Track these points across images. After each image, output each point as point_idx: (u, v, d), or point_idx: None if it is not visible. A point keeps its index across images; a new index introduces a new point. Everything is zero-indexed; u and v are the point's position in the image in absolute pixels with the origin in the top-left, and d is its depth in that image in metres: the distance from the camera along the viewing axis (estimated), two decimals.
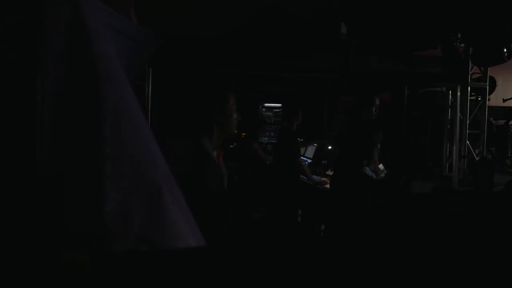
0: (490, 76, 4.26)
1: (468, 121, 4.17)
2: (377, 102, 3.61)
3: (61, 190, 0.84)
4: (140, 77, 3.16)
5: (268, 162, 4.78)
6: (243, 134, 5.83)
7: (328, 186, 4.27)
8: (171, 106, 4.30)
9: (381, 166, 4.06)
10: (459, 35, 4.18)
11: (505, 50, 3.41)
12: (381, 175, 4.03)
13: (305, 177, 4.36)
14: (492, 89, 4.40)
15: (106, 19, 1.00)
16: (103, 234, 0.82)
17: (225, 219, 1.56)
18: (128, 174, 0.84)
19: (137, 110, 0.92)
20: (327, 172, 4.68)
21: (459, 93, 4.09)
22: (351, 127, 3.73)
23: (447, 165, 4.32)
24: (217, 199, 1.51)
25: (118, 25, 1.08)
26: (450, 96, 4.38)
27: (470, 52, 3.99)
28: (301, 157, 4.70)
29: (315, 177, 4.52)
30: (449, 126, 4.32)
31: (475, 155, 4.19)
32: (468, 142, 4.19)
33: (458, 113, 4.16)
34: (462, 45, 4.11)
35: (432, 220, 2.20)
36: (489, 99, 4.34)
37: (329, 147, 4.88)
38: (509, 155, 5.30)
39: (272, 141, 5.90)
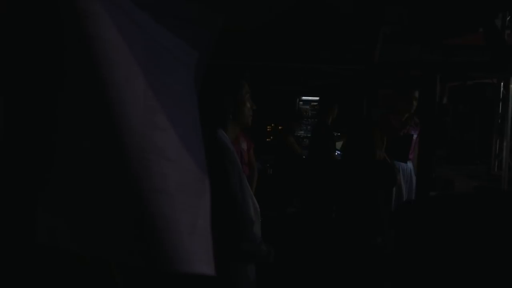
0: None
1: None
2: (415, 94, 3.42)
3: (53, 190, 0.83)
4: None
5: (304, 156, 4.72)
6: (279, 127, 5.80)
7: None
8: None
9: None
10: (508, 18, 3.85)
11: None
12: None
13: None
14: None
15: (148, 2, 0.92)
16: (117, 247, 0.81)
17: (247, 207, 1.53)
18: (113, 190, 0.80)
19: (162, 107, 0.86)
20: None
21: (511, 85, 3.78)
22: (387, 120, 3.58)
23: (497, 163, 4.02)
24: (238, 190, 1.48)
25: (169, 8, 0.99)
26: (502, 88, 4.06)
27: None
28: (337, 152, 4.59)
29: None
30: (499, 121, 4.01)
31: None
32: None
33: (511, 107, 3.85)
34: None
35: (466, 223, 2.05)
36: None
37: None
38: None
39: (308, 135, 5.82)
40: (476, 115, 5.02)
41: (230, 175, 1.44)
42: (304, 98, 6.26)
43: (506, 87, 3.91)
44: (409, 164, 3.47)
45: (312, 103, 6.17)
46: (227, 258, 1.44)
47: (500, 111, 4.00)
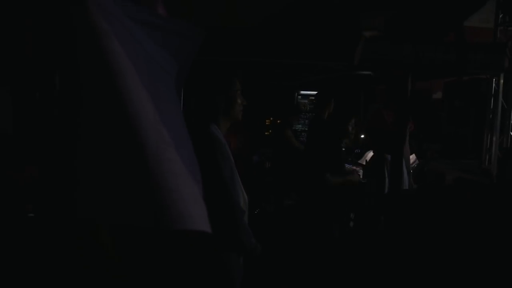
0: None
1: None
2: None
3: (71, 168, 0.99)
4: None
5: (301, 150, 4.82)
6: (278, 121, 5.90)
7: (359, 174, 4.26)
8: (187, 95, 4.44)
9: (412, 156, 3.99)
10: (506, 18, 3.95)
11: None
12: (413, 165, 3.96)
13: None
14: None
15: (140, 17, 1.09)
16: (101, 206, 0.97)
17: (238, 198, 1.65)
18: (121, 155, 0.96)
19: (155, 98, 1.02)
20: (359, 161, 4.65)
21: (502, 81, 3.87)
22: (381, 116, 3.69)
23: (488, 157, 4.13)
24: (230, 181, 1.60)
25: (157, 21, 1.14)
26: (494, 84, 4.15)
27: None
28: None
29: (347, 165, 4.51)
30: (491, 116, 4.11)
31: None
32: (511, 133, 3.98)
33: (500, 102, 3.95)
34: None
35: (444, 212, 2.19)
36: None
37: (362, 136, 4.83)
38: None
39: (306, 129, 5.92)
40: (471, 110, 5.09)
41: (222, 167, 1.56)
42: (302, 92, 6.35)
43: (498, 83, 4.00)
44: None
45: (310, 98, 6.27)
46: (224, 246, 1.56)
47: (491, 107, 4.09)
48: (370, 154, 4.31)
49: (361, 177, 4.10)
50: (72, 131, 0.99)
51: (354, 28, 3.16)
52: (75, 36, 0.92)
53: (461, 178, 2.42)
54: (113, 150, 0.96)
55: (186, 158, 1.04)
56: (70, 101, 0.99)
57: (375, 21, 3.08)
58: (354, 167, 4.45)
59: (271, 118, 6.33)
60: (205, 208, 1.02)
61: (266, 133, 6.27)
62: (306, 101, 6.38)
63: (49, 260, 1.36)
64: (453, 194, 2.25)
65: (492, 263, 1.96)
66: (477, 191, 2.17)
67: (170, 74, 1.15)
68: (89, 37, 0.91)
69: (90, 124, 0.98)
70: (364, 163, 4.39)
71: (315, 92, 6.34)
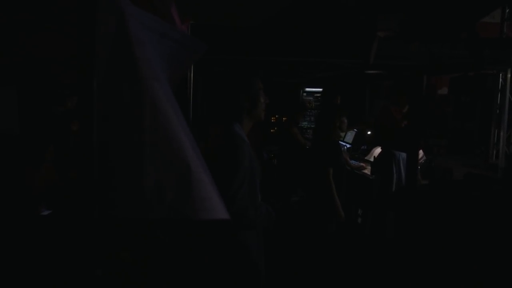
0: None
1: None
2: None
3: (108, 168, 1.03)
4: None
5: (307, 147, 4.85)
6: (284, 118, 5.92)
7: (366, 171, 4.28)
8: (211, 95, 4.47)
9: (420, 152, 3.99)
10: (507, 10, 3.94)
11: None
12: (420, 161, 3.97)
13: None
14: None
15: (152, 25, 1.16)
16: (142, 204, 1.01)
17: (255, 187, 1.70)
18: (162, 156, 1.01)
19: (173, 103, 1.09)
20: (365, 157, 4.67)
21: (509, 75, 3.88)
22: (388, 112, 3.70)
23: (495, 152, 4.13)
24: (248, 175, 1.63)
25: (163, 30, 1.22)
26: (500, 79, 4.15)
27: None
28: (340, 142, 4.69)
29: (353, 162, 4.53)
30: (498, 111, 4.11)
31: None
32: None
33: (507, 97, 3.96)
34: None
35: (455, 208, 2.20)
36: None
37: (368, 132, 4.85)
38: None
39: (312, 126, 5.94)
40: (477, 105, 5.09)
41: (241, 163, 1.60)
42: (308, 89, 6.37)
43: (505, 77, 4.00)
44: None
45: (316, 95, 6.29)
46: (239, 226, 1.63)
47: (498, 102, 4.10)
48: (377, 150, 4.32)
49: (368, 173, 4.12)
50: (104, 134, 1.04)
51: (369, 28, 3.19)
52: (111, 43, 0.98)
53: (470, 173, 2.43)
54: (146, 149, 1.01)
55: (199, 153, 1.10)
56: (104, 105, 1.03)
57: (390, 22, 3.11)
58: (362, 164, 4.47)
59: (276, 116, 6.36)
60: (221, 197, 1.08)
61: (272, 131, 6.30)
62: (311, 98, 6.39)
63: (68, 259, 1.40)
64: (463, 189, 2.27)
65: (501, 258, 1.98)
66: (487, 186, 2.18)
67: (169, 79, 1.23)
68: (125, 45, 0.98)
69: (122, 126, 1.03)
70: (371, 159, 4.40)
71: (321, 89, 6.39)
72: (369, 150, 4.73)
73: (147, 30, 1.13)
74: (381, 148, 3.95)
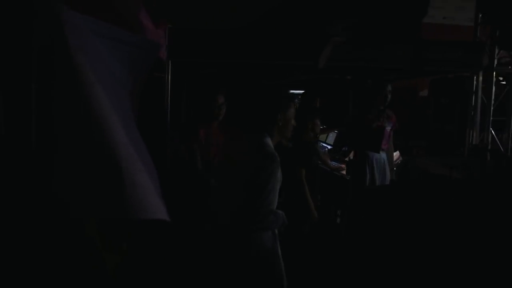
0: None
1: (492, 108, 4.06)
2: (389, 88, 3.62)
3: (46, 170, 1.08)
4: (159, 68, 3.38)
5: (288, 147, 4.90)
6: None
7: (344, 172, 4.35)
8: (194, 99, 4.48)
9: (396, 153, 4.08)
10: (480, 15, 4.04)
11: None
12: (396, 162, 4.05)
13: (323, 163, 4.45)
14: None
15: (103, 32, 1.22)
16: (76, 204, 1.06)
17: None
18: (95, 159, 1.06)
19: (119, 105, 1.15)
20: (346, 159, 4.74)
21: (481, 78, 3.97)
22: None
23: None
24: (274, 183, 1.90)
25: (117, 35, 1.31)
26: (475, 82, 4.25)
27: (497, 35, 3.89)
28: (321, 144, 4.77)
29: (333, 163, 4.60)
30: (472, 113, 4.21)
31: (499, 143, 4.06)
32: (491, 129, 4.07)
33: (480, 99, 4.05)
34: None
35: (408, 207, 2.28)
36: None
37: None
38: None
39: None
40: (456, 107, 5.18)
41: (274, 175, 1.89)
42: (290, 91, 6.43)
43: (477, 80, 4.10)
44: (383, 155, 3.69)
45: (299, 96, 6.35)
46: (248, 230, 1.87)
47: (473, 103, 4.19)
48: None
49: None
50: (50, 136, 1.09)
51: (321, 34, 3.31)
52: (51, 50, 1.04)
53: (426, 173, 2.51)
54: (86, 151, 1.06)
55: (143, 156, 1.14)
56: (47, 107, 1.09)
57: (341, 28, 3.23)
58: (341, 165, 4.54)
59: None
60: (163, 200, 1.12)
61: None
62: (296, 100, 6.45)
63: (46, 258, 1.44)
64: (416, 189, 2.34)
65: (449, 260, 2.05)
66: (441, 186, 2.25)
67: (124, 83, 1.27)
68: (63, 51, 1.04)
69: (65, 128, 1.08)
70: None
71: (303, 91, 6.44)
72: (350, 152, 4.81)
73: (97, 37, 1.19)
74: (353, 149, 4.04)
